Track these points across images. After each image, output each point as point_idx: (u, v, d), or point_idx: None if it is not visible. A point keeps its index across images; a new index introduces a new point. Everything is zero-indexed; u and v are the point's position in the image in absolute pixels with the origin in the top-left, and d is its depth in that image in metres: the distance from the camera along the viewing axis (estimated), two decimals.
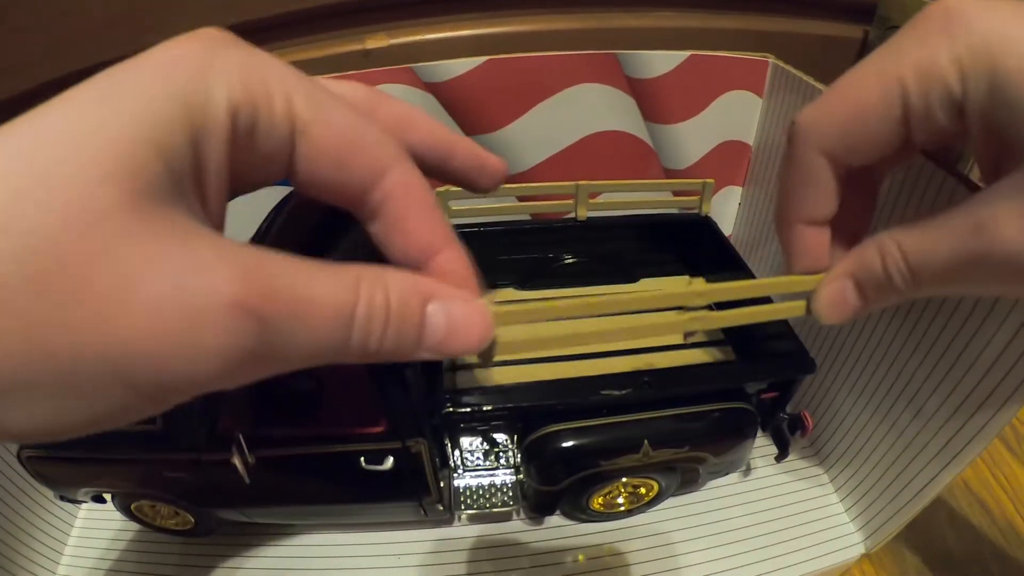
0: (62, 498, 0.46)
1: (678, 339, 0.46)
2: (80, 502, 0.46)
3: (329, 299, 0.18)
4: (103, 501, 0.46)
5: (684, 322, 0.30)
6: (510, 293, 0.49)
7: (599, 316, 0.27)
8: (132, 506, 0.45)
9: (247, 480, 0.36)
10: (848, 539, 0.47)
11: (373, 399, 0.40)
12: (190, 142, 0.18)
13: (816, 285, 0.30)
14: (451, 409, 0.38)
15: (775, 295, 0.31)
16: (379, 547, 0.46)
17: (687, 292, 0.30)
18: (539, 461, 0.39)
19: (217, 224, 0.20)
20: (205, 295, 0.16)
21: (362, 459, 0.38)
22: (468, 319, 0.22)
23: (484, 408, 0.34)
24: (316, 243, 0.39)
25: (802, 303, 0.30)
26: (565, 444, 0.38)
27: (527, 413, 0.39)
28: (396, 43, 0.69)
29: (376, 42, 0.69)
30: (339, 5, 0.69)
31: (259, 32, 0.71)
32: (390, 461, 0.37)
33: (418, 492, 0.39)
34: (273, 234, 0.39)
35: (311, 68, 0.65)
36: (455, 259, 0.24)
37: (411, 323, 0.21)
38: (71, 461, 0.42)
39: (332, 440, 0.38)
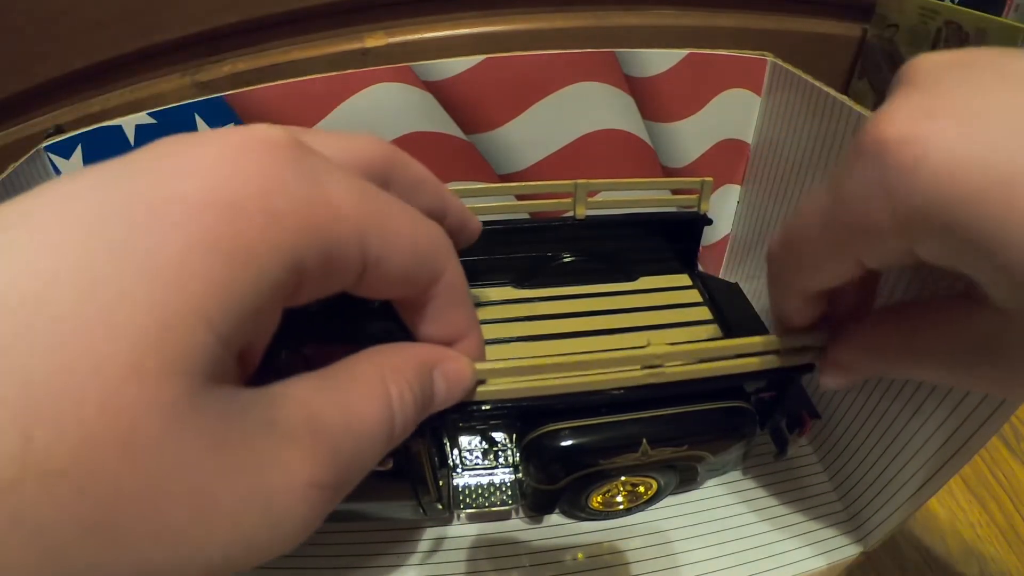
0: None
1: (673, 337, 0.46)
2: None
3: (375, 423, 0.20)
4: None
5: (642, 375, 0.35)
6: (508, 292, 0.49)
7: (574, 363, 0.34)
8: None
9: None
10: (846, 537, 0.47)
11: None
12: (249, 309, 0.16)
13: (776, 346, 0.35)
14: (449, 408, 0.38)
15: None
16: (377, 546, 0.46)
17: (648, 354, 0.34)
18: (537, 460, 0.39)
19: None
20: (283, 489, 0.16)
21: None
22: (460, 375, 0.27)
23: (482, 407, 0.34)
24: None
25: (756, 360, 0.36)
26: (563, 443, 0.38)
27: (525, 411, 0.39)
28: (395, 42, 0.69)
29: (375, 41, 0.69)
30: (338, 4, 0.69)
31: (258, 31, 0.71)
32: (390, 462, 0.37)
33: (417, 491, 0.39)
34: None
35: (310, 67, 0.65)
36: (475, 344, 0.28)
37: (428, 397, 0.24)
38: None
39: None
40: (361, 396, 0.20)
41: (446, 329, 0.25)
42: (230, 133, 0.17)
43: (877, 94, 0.69)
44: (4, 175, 0.48)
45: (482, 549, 0.45)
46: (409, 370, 0.22)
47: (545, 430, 0.38)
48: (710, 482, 0.50)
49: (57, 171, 0.55)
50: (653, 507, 0.47)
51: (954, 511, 0.52)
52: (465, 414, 0.38)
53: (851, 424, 0.47)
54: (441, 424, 0.39)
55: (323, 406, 0.18)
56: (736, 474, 0.50)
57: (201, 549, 0.14)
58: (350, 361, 0.22)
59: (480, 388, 0.34)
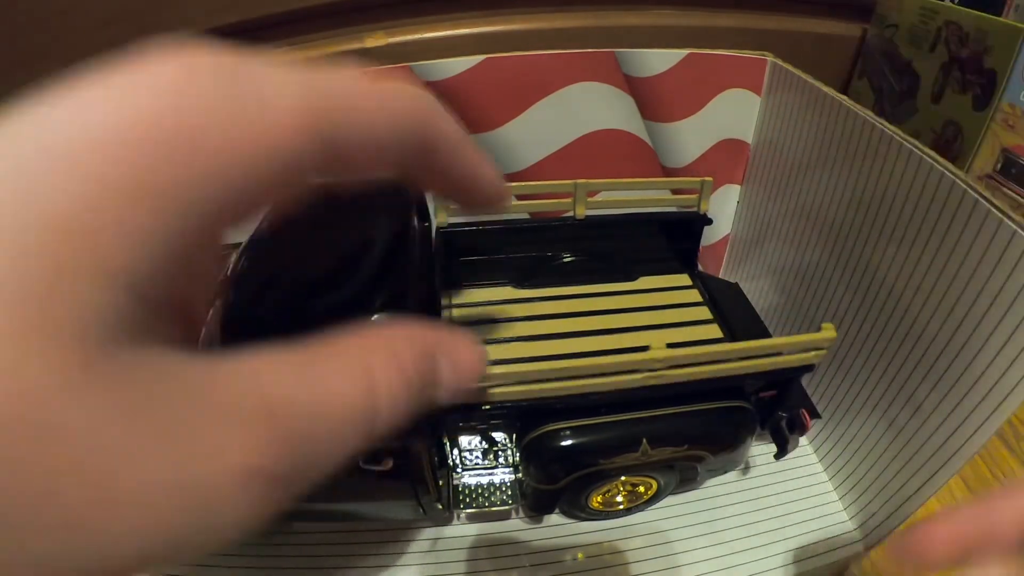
0: None
1: (673, 337, 0.46)
2: None
3: (348, 408, 0.17)
4: None
5: (641, 379, 0.36)
6: (508, 292, 0.49)
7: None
8: None
9: None
10: (847, 537, 0.47)
11: None
12: (166, 253, 0.13)
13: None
14: (449, 408, 0.38)
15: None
16: (378, 546, 0.46)
17: (648, 359, 0.35)
18: (538, 460, 0.39)
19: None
20: (216, 475, 0.14)
21: (360, 459, 0.37)
22: (471, 365, 0.22)
23: (484, 407, 0.34)
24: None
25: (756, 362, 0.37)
26: (563, 443, 0.38)
27: (525, 411, 0.39)
28: (395, 42, 0.69)
29: (375, 41, 0.69)
30: (337, 4, 0.69)
31: (257, 30, 0.71)
32: (389, 462, 0.37)
33: (417, 491, 0.39)
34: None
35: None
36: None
37: (429, 385, 0.20)
38: None
39: None
40: (336, 374, 0.17)
41: (464, 171, 0.22)
42: (140, 62, 0.15)
43: (876, 93, 0.69)
44: None
45: (482, 549, 0.45)
46: (406, 352, 0.19)
47: (545, 430, 0.38)
48: (710, 482, 0.50)
49: None
50: (653, 507, 0.47)
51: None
52: (467, 414, 0.38)
53: (851, 423, 0.48)
54: (442, 424, 0.39)
55: (284, 381, 0.16)
56: (736, 474, 0.50)
57: (107, 542, 0.12)
58: (335, 334, 0.18)
59: (482, 389, 0.34)
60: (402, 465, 0.37)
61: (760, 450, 0.51)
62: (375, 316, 0.34)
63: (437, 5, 0.69)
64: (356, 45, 0.69)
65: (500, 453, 0.42)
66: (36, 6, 0.66)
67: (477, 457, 0.43)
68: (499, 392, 0.34)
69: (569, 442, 0.38)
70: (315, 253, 0.38)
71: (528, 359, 0.43)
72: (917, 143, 0.40)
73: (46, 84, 0.14)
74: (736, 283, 0.53)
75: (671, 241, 0.52)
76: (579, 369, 0.34)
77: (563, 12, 0.68)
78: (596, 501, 0.44)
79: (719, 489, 0.50)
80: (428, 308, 0.41)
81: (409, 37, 0.69)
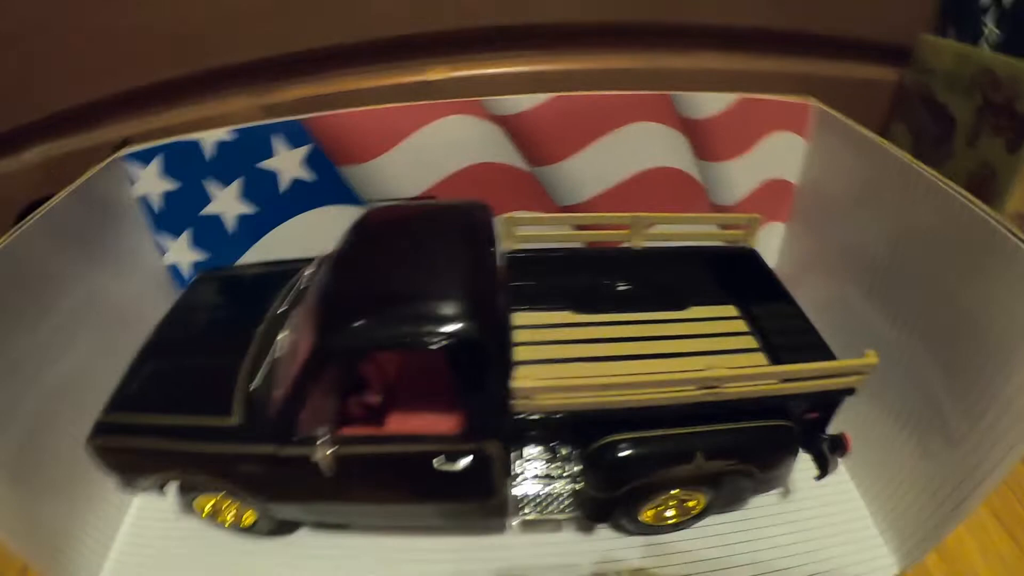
0: (123, 488, 0.48)
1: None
2: (139, 492, 0.49)
3: None
4: (164, 493, 0.49)
5: (700, 394, 0.40)
6: (567, 316, 0.51)
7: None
8: (194, 500, 0.48)
9: (328, 474, 0.39)
10: (882, 560, 0.49)
11: (448, 401, 0.43)
12: None
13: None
14: (522, 414, 0.41)
15: None
16: (426, 553, 0.49)
17: (707, 376, 0.39)
18: (600, 468, 0.42)
19: None
20: None
21: (436, 460, 0.40)
22: None
23: (553, 414, 0.38)
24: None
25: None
26: (626, 452, 0.41)
27: (587, 423, 0.42)
28: (455, 76, 0.73)
29: (436, 74, 0.73)
30: (402, 38, 0.73)
31: (324, 60, 0.75)
32: (463, 462, 0.40)
33: (484, 494, 0.42)
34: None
35: (373, 97, 0.69)
36: None
37: None
38: (146, 452, 0.45)
39: (409, 440, 0.41)
40: None
41: None
42: None
43: (914, 136, 0.72)
44: (84, 178, 0.52)
45: (531, 561, 0.48)
46: None
47: (609, 440, 0.41)
48: (749, 505, 0.52)
49: (134, 178, 0.59)
50: (695, 526, 0.50)
51: (985, 544, 0.53)
52: (533, 425, 0.42)
53: (885, 449, 0.50)
54: (511, 431, 0.42)
55: None
56: (774, 498, 0.53)
57: None
58: None
59: (548, 400, 0.38)
60: (475, 468, 0.40)
61: (797, 475, 0.53)
62: (464, 323, 0.37)
63: (495, 43, 0.73)
64: (419, 78, 0.73)
65: (560, 463, 0.45)
66: (110, 25, 0.70)
67: (539, 467, 0.45)
68: (570, 399, 0.38)
69: (631, 451, 0.41)
70: (407, 263, 0.42)
71: (597, 377, 0.45)
72: (954, 185, 0.43)
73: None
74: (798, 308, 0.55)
75: (720, 274, 0.55)
76: (644, 383, 0.37)
77: (616, 54, 0.72)
78: (647, 515, 0.46)
79: (756, 511, 0.52)
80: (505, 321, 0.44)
81: (469, 72, 0.73)
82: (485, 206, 0.48)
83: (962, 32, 0.70)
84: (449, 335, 0.38)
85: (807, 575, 0.48)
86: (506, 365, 0.41)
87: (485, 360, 0.39)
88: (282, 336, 0.47)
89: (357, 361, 0.42)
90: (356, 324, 0.39)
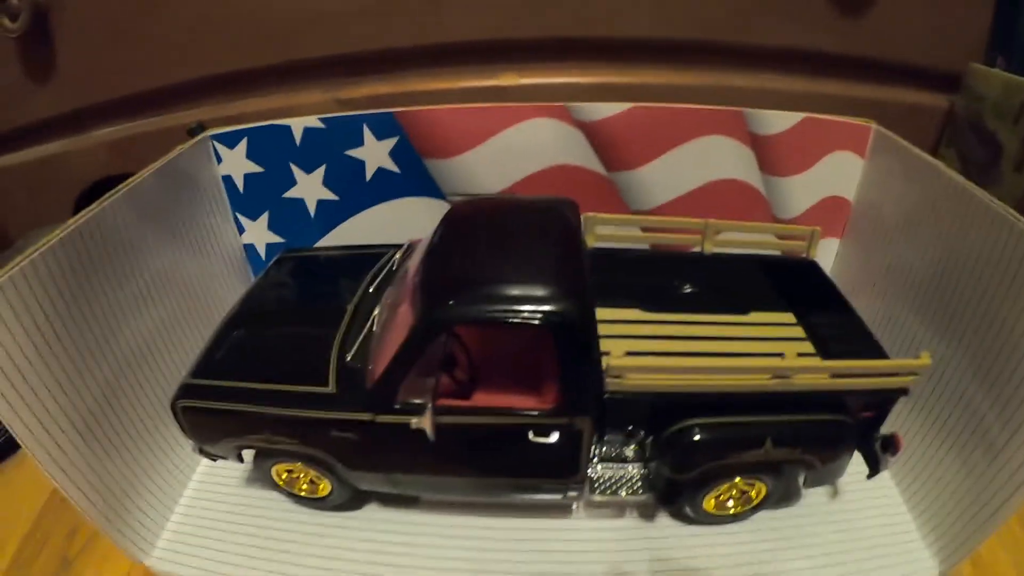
0: (200, 451, 0.50)
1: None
2: (218, 457, 0.51)
3: None
4: (241, 460, 0.51)
5: (774, 384, 0.44)
6: (636, 313, 0.54)
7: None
8: (272, 467, 0.51)
9: (432, 439, 0.41)
10: (922, 563, 0.50)
11: (537, 379, 0.45)
12: None
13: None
14: (612, 393, 0.44)
15: None
16: (495, 532, 0.51)
17: (782, 365, 0.43)
18: (678, 449, 0.45)
19: None
20: None
21: (530, 432, 0.43)
22: None
23: (641, 396, 0.40)
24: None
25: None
26: (704, 435, 0.44)
27: (664, 407, 0.46)
28: (526, 83, 0.76)
29: (508, 80, 0.76)
30: (476, 43, 0.76)
31: (398, 60, 0.78)
32: (555, 435, 0.43)
33: (570, 471, 0.45)
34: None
35: (445, 98, 0.72)
36: None
37: None
38: (233, 416, 0.47)
39: (506, 412, 0.44)
40: None
41: None
42: None
43: (962, 162, 0.75)
44: (170, 156, 0.55)
45: (594, 543, 0.51)
46: None
47: (688, 423, 0.44)
48: (800, 504, 0.54)
49: (219, 158, 0.62)
50: (746, 520, 0.52)
51: (1018, 558, 0.55)
52: (619, 405, 0.44)
53: (927, 453, 0.52)
54: (600, 411, 0.44)
55: None
56: (823, 497, 0.55)
57: None
58: None
59: (639, 380, 0.41)
60: (566, 442, 0.43)
61: (845, 479, 0.55)
62: (567, 303, 0.40)
63: (564, 53, 0.77)
64: (491, 82, 0.76)
65: (637, 447, 0.48)
66: (194, 18, 0.74)
67: (614, 449, 0.48)
68: (659, 381, 0.41)
69: (708, 434, 0.44)
70: (506, 248, 0.45)
71: (679, 358, 0.48)
72: (1007, 207, 0.45)
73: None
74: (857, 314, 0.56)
75: (782, 282, 0.58)
76: (727, 368, 0.41)
77: (683, 69, 0.75)
78: (710, 503, 0.49)
79: (802, 509, 0.54)
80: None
81: (539, 80, 0.76)
82: (573, 202, 0.51)
83: (1010, 62, 0.73)
84: (553, 313, 0.40)
85: (847, 573, 0.50)
86: (597, 347, 0.44)
87: (584, 339, 0.42)
88: (377, 312, 0.50)
89: (456, 336, 0.45)
90: (464, 298, 0.41)
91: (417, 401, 0.42)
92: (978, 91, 0.73)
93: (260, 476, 0.53)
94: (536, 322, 0.40)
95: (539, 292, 0.41)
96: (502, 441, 0.45)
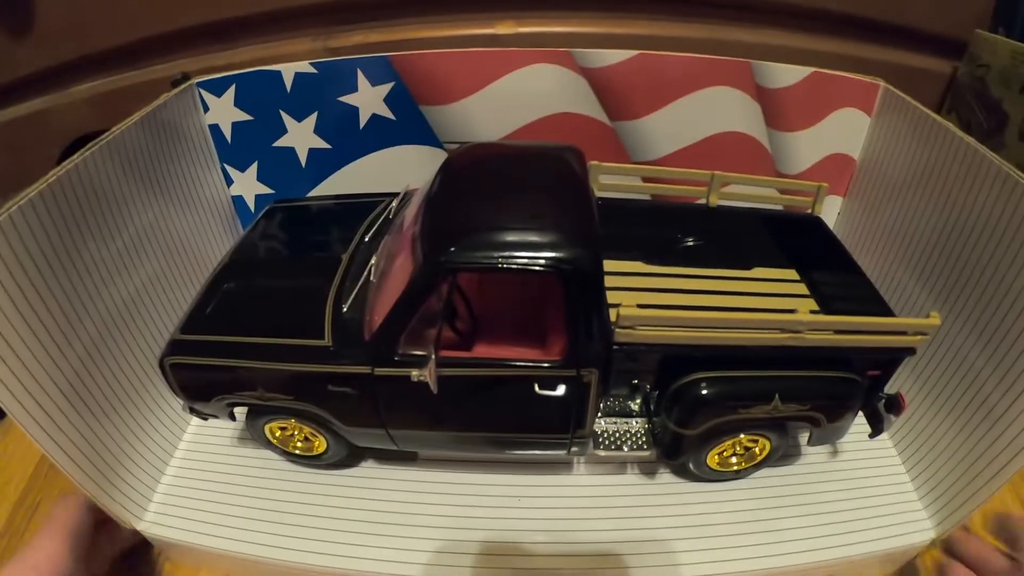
0: (191, 410, 0.49)
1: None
2: (209, 416, 0.49)
3: None
4: (233, 418, 0.50)
5: (785, 338, 0.43)
6: (638, 266, 0.53)
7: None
8: (266, 424, 0.49)
9: (434, 391, 0.40)
10: (919, 524, 0.50)
11: (542, 329, 0.44)
12: None
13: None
14: (621, 345, 0.43)
15: None
16: (494, 488, 0.51)
17: (794, 320, 0.42)
18: (687, 402, 0.44)
19: None
20: None
21: (536, 384, 0.42)
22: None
23: (651, 348, 0.39)
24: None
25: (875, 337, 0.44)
26: (714, 388, 0.44)
27: (680, 357, 0.45)
28: (523, 32, 0.73)
29: (504, 28, 0.74)
30: None
31: (391, 6, 0.75)
32: (562, 388, 0.42)
33: (576, 424, 0.44)
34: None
35: (439, 45, 0.70)
36: None
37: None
38: (225, 371, 0.45)
39: (512, 364, 0.42)
40: None
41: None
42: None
43: (964, 128, 0.74)
44: (153, 105, 0.53)
45: (597, 499, 0.50)
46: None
47: (697, 376, 0.44)
48: (800, 461, 0.54)
49: (206, 107, 0.60)
50: (750, 477, 0.52)
51: None
52: (627, 358, 0.43)
53: (926, 417, 0.52)
54: (608, 363, 0.43)
55: None
56: (824, 456, 0.55)
57: None
58: None
59: (649, 333, 0.39)
60: (572, 395, 0.42)
61: (845, 439, 0.55)
62: (576, 250, 0.39)
63: (562, 1, 0.74)
64: (487, 30, 0.74)
65: (641, 401, 0.47)
66: None
67: (620, 403, 0.47)
68: (670, 333, 0.40)
69: (718, 388, 0.44)
70: (512, 194, 0.43)
71: (687, 310, 0.47)
72: (1014, 168, 0.44)
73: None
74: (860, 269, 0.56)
75: (787, 238, 0.57)
76: (737, 321, 0.40)
77: (683, 22, 0.73)
78: (713, 459, 0.48)
79: (802, 467, 0.54)
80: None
81: (536, 29, 0.73)
82: (578, 149, 0.49)
83: (1011, 33, 0.72)
84: (564, 260, 0.39)
85: (844, 531, 0.50)
86: (605, 298, 0.42)
87: (593, 288, 0.40)
88: (374, 262, 0.48)
89: (458, 286, 0.44)
90: (468, 243, 0.40)
91: (419, 353, 0.41)
92: (983, 58, 0.72)
93: (253, 434, 0.51)
94: (545, 269, 0.39)
95: (548, 238, 0.39)
96: (506, 394, 0.43)
